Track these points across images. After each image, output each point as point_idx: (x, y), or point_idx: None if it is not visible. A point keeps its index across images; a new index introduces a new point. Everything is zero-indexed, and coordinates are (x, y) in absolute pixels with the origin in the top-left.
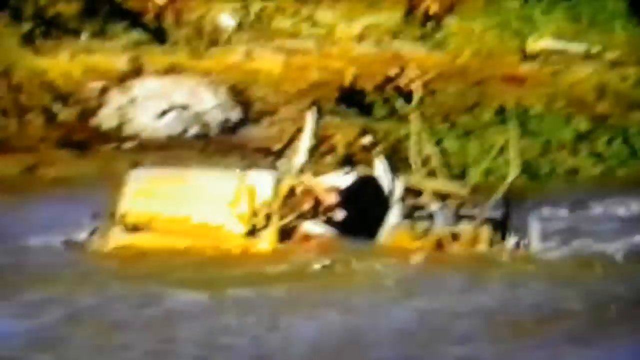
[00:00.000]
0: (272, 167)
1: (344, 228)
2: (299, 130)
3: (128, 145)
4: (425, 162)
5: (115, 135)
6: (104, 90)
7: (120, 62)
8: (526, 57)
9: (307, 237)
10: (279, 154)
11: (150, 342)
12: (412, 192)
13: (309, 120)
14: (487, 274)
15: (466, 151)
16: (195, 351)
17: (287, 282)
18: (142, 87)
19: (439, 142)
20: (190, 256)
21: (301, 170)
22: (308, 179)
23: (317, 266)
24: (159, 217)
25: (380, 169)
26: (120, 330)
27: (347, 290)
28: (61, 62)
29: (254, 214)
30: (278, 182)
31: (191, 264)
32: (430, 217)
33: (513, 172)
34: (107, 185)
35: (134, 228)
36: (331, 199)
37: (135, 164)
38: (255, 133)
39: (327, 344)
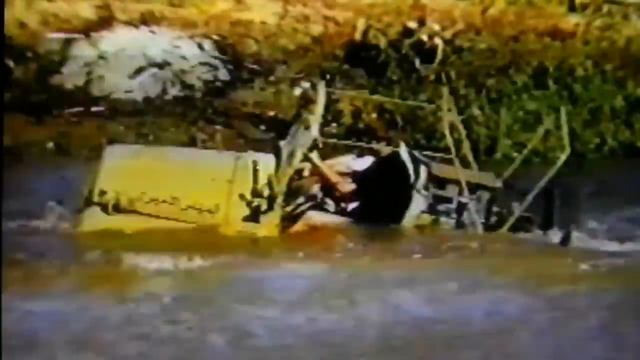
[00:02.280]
0: (268, 136)
1: (359, 215)
2: (302, 98)
3: (96, 108)
4: (451, 132)
5: (81, 97)
6: (66, 43)
7: (86, 10)
8: (573, 7)
9: (314, 227)
10: (277, 124)
11: None
12: (437, 179)
13: (321, 91)
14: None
15: (496, 121)
16: None
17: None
18: (112, 39)
19: (464, 110)
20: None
21: (312, 148)
22: (317, 159)
23: None
24: (143, 198)
25: (403, 151)
26: None
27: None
28: (15, 10)
29: (256, 194)
30: (283, 160)
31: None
32: (459, 211)
33: (564, 154)
34: (73, 160)
35: (115, 209)
36: (345, 186)
37: (111, 140)
38: (247, 96)
39: None
